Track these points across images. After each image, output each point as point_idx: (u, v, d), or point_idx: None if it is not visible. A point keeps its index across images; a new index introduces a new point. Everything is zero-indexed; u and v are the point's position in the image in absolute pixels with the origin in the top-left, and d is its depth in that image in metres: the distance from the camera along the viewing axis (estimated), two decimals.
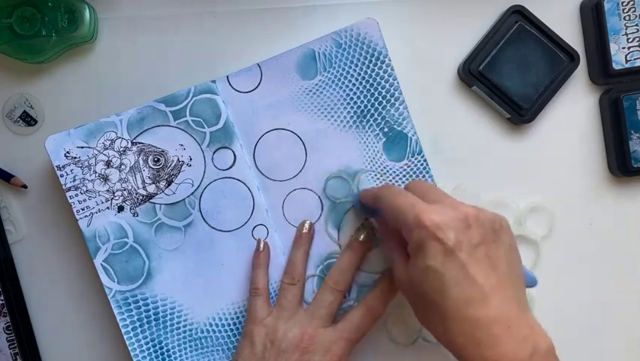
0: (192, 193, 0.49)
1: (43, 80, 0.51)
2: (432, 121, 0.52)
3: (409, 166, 0.50)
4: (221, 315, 0.49)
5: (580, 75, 0.52)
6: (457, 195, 0.51)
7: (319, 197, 0.50)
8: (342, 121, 0.50)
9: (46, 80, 0.51)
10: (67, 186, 0.48)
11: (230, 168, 0.49)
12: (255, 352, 0.45)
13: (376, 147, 0.50)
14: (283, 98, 0.49)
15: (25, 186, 0.51)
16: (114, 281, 0.48)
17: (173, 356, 0.49)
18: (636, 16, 0.51)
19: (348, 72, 0.49)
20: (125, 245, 0.48)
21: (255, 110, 0.49)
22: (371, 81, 0.50)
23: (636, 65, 0.51)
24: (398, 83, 0.49)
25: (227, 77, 0.49)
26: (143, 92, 0.50)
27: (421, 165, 0.50)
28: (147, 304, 0.48)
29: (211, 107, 0.49)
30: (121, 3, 0.51)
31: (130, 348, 0.48)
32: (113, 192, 0.48)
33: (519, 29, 0.50)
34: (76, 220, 0.48)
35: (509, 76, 0.50)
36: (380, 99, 0.50)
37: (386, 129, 0.50)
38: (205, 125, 0.49)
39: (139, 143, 0.48)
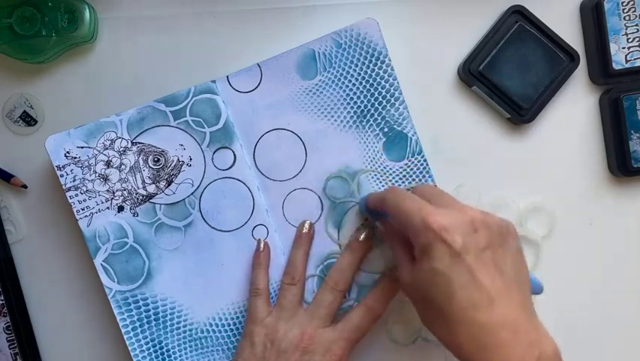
0: (192, 193, 0.49)
1: (43, 80, 0.51)
2: (432, 121, 0.52)
3: (408, 166, 0.50)
4: (221, 315, 0.49)
5: (580, 75, 0.53)
6: (457, 196, 0.51)
7: (319, 197, 0.50)
8: (342, 121, 0.50)
9: (46, 80, 0.51)
10: (67, 186, 0.48)
11: (230, 168, 0.49)
12: (255, 352, 0.45)
13: (376, 147, 0.50)
14: (283, 98, 0.49)
15: (25, 186, 0.51)
16: (114, 281, 0.48)
17: (173, 356, 0.49)
18: (636, 16, 0.51)
19: (348, 72, 0.49)
20: (125, 245, 0.48)
21: (255, 110, 0.49)
22: (371, 81, 0.50)
23: (636, 65, 0.51)
24: (398, 83, 0.49)
25: (227, 77, 0.49)
26: (143, 92, 0.50)
27: (421, 165, 0.50)
28: (147, 304, 0.48)
29: (211, 107, 0.49)
30: (121, 3, 0.51)
31: (130, 348, 0.48)
32: (113, 192, 0.48)
33: (519, 29, 0.50)
34: (76, 220, 0.48)
35: (509, 76, 0.50)
36: (380, 99, 0.50)
37: (386, 129, 0.50)
38: (205, 125, 0.49)
39: (139, 143, 0.48)
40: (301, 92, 0.49)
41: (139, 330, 0.48)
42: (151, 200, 0.48)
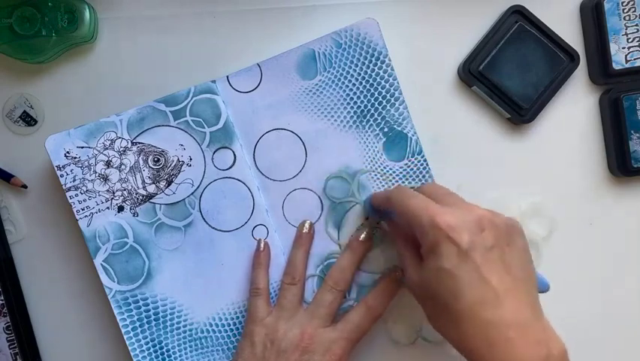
0: (192, 193, 0.49)
1: (43, 80, 0.51)
2: (432, 121, 0.52)
3: (408, 166, 0.50)
4: (221, 315, 0.49)
5: (580, 75, 0.53)
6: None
7: (319, 197, 0.50)
8: (342, 121, 0.50)
9: (46, 80, 0.51)
10: (67, 186, 0.48)
11: (230, 168, 0.49)
12: (255, 352, 0.45)
13: (376, 147, 0.50)
14: (283, 98, 0.49)
15: (25, 186, 0.51)
16: (114, 281, 0.48)
17: (173, 356, 0.49)
18: (636, 16, 0.51)
19: (348, 72, 0.49)
20: (125, 245, 0.48)
21: (255, 110, 0.49)
22: (371, 81, 0.50)
23: (636, 65, 0.51)
24: (398, 83, 0.49)
25: (227, 77, 0.49)
26: (143, 92, 0.50)
27: (421, 165, 0.50)
28: (147, 304, 0.48)
29: (211, 107, 0.49)
30: (121, 3, 0.51)
31: (130, 348, 0.48)
32: (113, 192, 0.48)
33: (519, 29, 0.50)
34: (76, 220, 0.48)
35: (509, 76, 0.50)
36: (380, 99, 0.50)
37: (386, 129, 0.50)
38: (205, 125, 0.49)
39: (139, 143, 0.48)
40: (301, 92, 0.49)
41: (139, 330, 0.48)
42: (151, 200, 0.48)
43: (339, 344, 0.45)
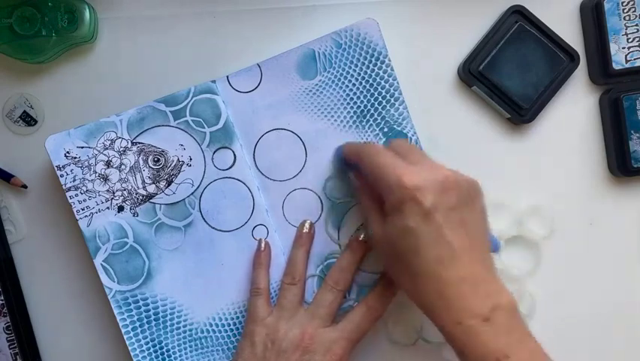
0: (192, 193, 0.49)
1: (43, 80, 0.51)
2: (432, 121, 0.52)
3: None
4: (221, 315, 0.49)
5: (580, 75, 0.53)
6: None
7: (319, 197, 0.50)
8: (342, 121, 0.50)
9: (46, 80, 0.51)
10: (67, 186, 0.48)
11: (230, 168, 0.49)
12: (255, 352, 0.45)
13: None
14: (283, 98, 0.49)
15: (25, 186, 0.51)
16: (114, 281, 0.48)
17: (173, 356, 0.49)
18: (636, 16, 0.51)
19: (348, 72, 0.49)
20: (125, 245, 0.48)
21: (255, 110, 0.49)
22: (371, 81, 0.50)
23: (636, 65, 0.51)
24: (398, 83, 0.49)
25: (227, 77, 0.49)
26: (143, 92, 0.50)
27: None
28: (147, 304, 0.48)
29: (211, 107, 0.49)
30: (121, 3, 0.51)
31: (130, 348, 0.48)
32: (113, 192, 0.48)
33: (519, 29, 0.50)
34: (77, 220, 0.48)
35: (509, 76, 0.50)
36: (380, 99, 0.50)
37: (386, 129, 0.50)
38: (205, 125, 0.49)
39: (139, 143, 0.48)
40: (301, 92, 0.49)
41: (139, 330, 0.48)
42: (151, 200, 0.48)
43: (339, 344, 0.45)
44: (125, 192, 0.48)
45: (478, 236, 0.41)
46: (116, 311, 0.48)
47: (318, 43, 0.49)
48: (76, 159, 0.48)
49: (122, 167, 0.48)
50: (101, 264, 0.48)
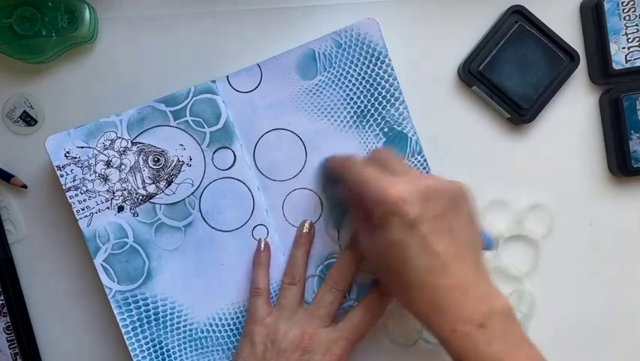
0: (192, 193, 0.49)
1: (43, 80, 0.51)
2: (432, 121, 0.52)
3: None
4: (221, 315, 0.49)
5: (580, 75, 0.53)
6: None
7: (319, 197, 0.50)
8: (342, 121, 0.50)
9: (46, 80, 0.51)
10: (67, 186, 0.48)
11: (230, 168, 0.49)
12: (255, 352, 0.45)
13: (376, 147, 0.50)
14: (283, 98, 0.49)
15: (25, 186, 0.51)
16: (114, 281, 0.48)
17: (173, 356, 0.49)
18: (636, 16, 0.51)
19: (348, 72, 0.49)
20: (125, 245, 0.48)
21: (255, 110, 0.49)
22: (371, 81, 0.50)
23: (636, 65, 0.51)
24: (398, 83, 0.49)
25: (227, 77, 0.49)
26: (143, 92, 0.50)
27: (421, 165, 0.50)
28: (147, 304, 0.48)
29: (211, 107, 0.49)
30: (121, 3, 0.51)
31: (130, 348, 0.48)
32: (113, 192, 0.48)
33: (519, 29, 0.50)
34: (77, 220, 0.48)
35: (509, 76, 0.50)
36: (380, 99, 0.50)
37: (386, 129, 0.50)
38: (205, 125, 0.49)
39: (139, 143, 0.48)
40: (301, 92, 0.49)
41: (139, 330, 0.48)
42: (151, 200, 0.48)
43: (339, 344, 0.45)
44: (125, 192, 0.48)
45: (467, 241, 0.40)
46: (116, 311, 0.48)
47: (318, 43, 0.49)
48: (76, 159, 0.48)
49: (122, 167, 0.48)
50: (101, 264, 0.48)
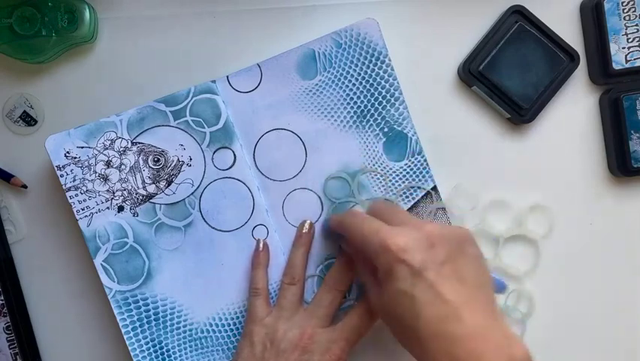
0: (192, 193, 0.49)
1: (43, 80, 0.51)
2: (432, 121, 0.52)
3: (409, 166, 0.50)
4: (221, 315, 0.49)
5: (580, 75, 0.53)
6: (456, 195, 0.51)
7: (319, 197, 0.50)
8: (342, 121, 0.50)
9: (46, 80, 0.51)
10: (67, 186, 0.48)
11: (230, 168, 0.49)
12: (254, 352, 0.45)
13: (376, 147, 0.50)
14: (283, 98, 0.49)
15: (25, 186, 0.51)
16: (114, 281, 0.48)
17: (173, 356, 0.49)
18: (636, 16, 0.51)
19: (348, 72, 0.49)
20: (125, 245, 0.48)
21: (255, 110, 0.49)
22: (371, 81, 0.50)
23: (636, 65, 0.51)
24: (398, 83, 0.49)
25: (227, 77, 0.49)
26: (143, 92, 0.50)
27: (421, 165, 0.50)
28: (147, 304, 0.48)
29: (211, 107, 0.49)
30: (121, 3, 0.51)
31: (130, 348, 0.48)
32: (113, 192, 0.48)
33: (519, 29, 0.50)
34: (77, 220, 0.48)
35: (509, 76, 0.50)
36: (380, 99, 0.50)
37: (386, 129, 0.50)
38: (205, 125, 0.49)
39: (139, 143, 0.48)
40: (301, 92, 0.49)
41: (139, 330, 0.48)
42: (151, 200, 0.48)
43: (338, 345, 0.45)
44: (125, 192, 0.48)
45: (477, 284, 0.39)
46: (116, 311, 0.48)
47: (318, 43, 0.49)
48: (77, 159, 0.48)
49: (122, 167, 0.48)
50: (101, 264, 0.48)
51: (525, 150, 0.52)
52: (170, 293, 0.49)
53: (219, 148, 0.49)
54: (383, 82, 0.50)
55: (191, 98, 0.48)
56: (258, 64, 0.49)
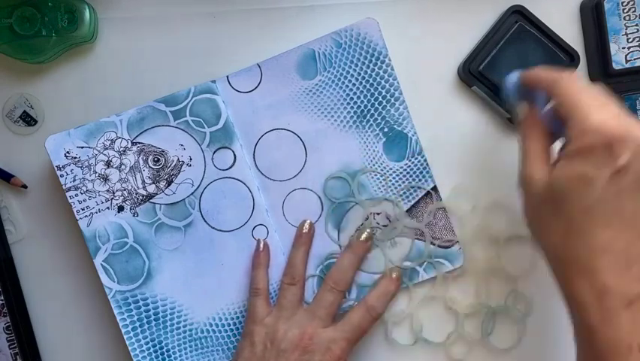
0: (192, 193, 0.49)
1: (43, 80, 0.51)
2: (432, 121, 0.52)
3: (409, 166, 0.50)
4: (221, 315, 0.49)
5: (580, 75, 0.52)
6: (456, 195, 0.51)
7: (319, 197, 0.50)
8: (342, 121, 0.50)
9: (46, 80, 0.51)
10: (67, 186, 0.48)
11: (230, 168, 0.49)
12: (254, 352, 0.45)
13: (376, 147, 0.50)
14: (283, 98, 0.49)
15: (25, 186, 0.51)
16: (114, 281, 0.48)
17: (173, 356, 0.49)
18: (636, 16, 0.51)
19: (348, 72, 0.49)
20: (125, 245, 0.48)
21: (255, 110, 0.49)
22: (371, 81, 0.50)
23: (636, 65, 0.51)
24: (398, 83, 0.49)
25: (227, 77, 0.49)
26: (143, 92, 0.50)
27: (421, 165, 0.50)
28: (147, 304, 0.48)
29: (211, 107, 0.49)
30: (121, 3, 0.51)
31: (130, 348, 0.48)
32: (113, 192, 0.48)
33: (519, 29, 0.50)
34: (77, 220, 0.48)
35: None
36: (380, 99, 0.50)
37: (386, 129, 0.50)
38: (205, 125, 0.49)
39: (139, 143, 0.48)
40: (301, 92, 0.49)
41: (139, 330, 0.48)
42: (151, 200, 0.48)
43: (338, 344, 0.45)
44: (125, 192, 0.48)
45: None
46: (116, 311, 0.48)
47: (318, 43, 0.49)
48: (76, 159, 0.48)
49: (122, 167, 0.48)
50: (101, 264, 0.48)
51: None
52: (170, 293, 0.49)
53: (219, 148, 0.49)
54: (383, 82, 0.50)
55: (191, 98, 0.48)
56: (257, 64, 0.49)
